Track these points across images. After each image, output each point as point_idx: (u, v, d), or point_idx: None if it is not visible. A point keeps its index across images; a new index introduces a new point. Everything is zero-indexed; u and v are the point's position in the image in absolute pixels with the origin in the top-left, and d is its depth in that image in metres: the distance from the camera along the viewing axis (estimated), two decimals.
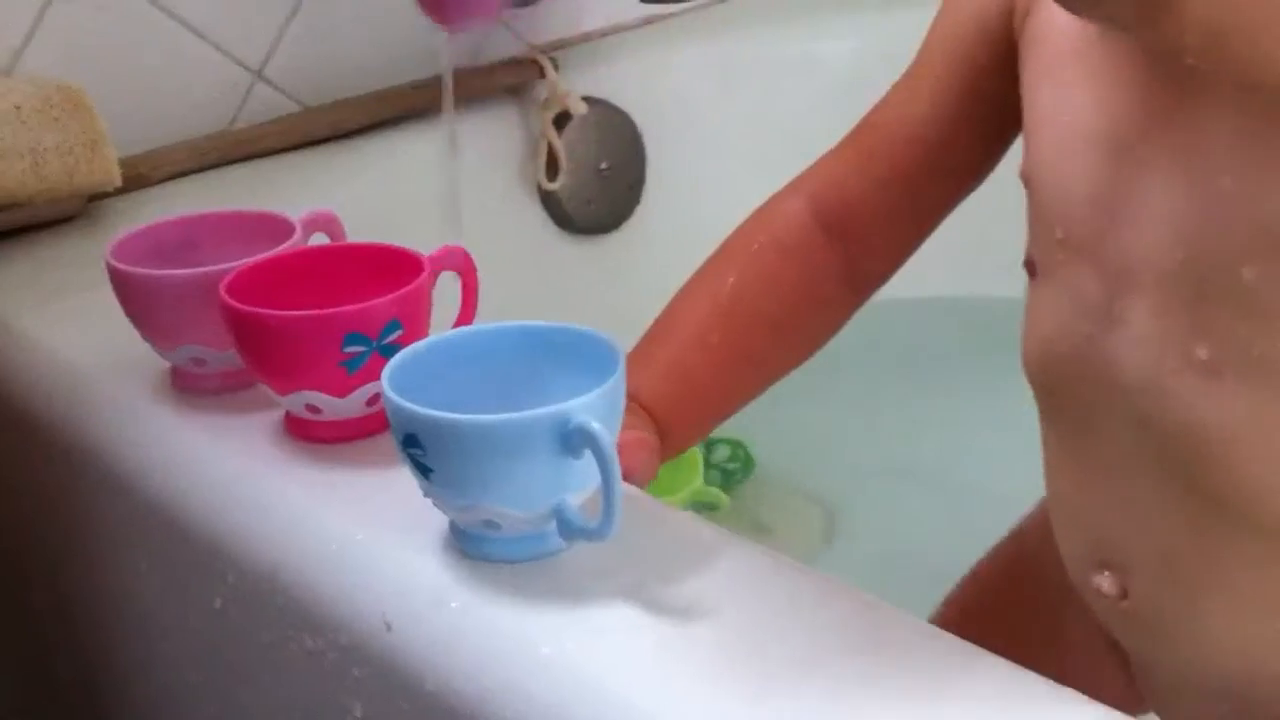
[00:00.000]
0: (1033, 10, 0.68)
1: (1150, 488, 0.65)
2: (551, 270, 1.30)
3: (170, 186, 1.07)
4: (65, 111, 0.96)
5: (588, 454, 0.57)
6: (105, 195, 1.01)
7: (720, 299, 0.77)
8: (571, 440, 0.56)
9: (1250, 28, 0.50)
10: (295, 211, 1.03)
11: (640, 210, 1.35)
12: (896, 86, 0.78)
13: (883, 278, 0.79)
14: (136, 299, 0.76)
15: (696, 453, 1.23)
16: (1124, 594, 0.69)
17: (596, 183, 1.31)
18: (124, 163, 1.01)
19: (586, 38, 1.34)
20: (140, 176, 1.05)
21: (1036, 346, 0.70)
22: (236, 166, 1.11)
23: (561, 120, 1.27)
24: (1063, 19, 0.64)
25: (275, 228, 0.79)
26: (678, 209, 1.35)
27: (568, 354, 0.63)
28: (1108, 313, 0.64)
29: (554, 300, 1.24)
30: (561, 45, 1.31)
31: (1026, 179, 0.69)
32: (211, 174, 1.10)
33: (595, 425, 0.56)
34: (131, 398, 0.79)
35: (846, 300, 0.79)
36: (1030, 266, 0.70)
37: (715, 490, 1.21)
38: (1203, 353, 0.61)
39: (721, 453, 1.27)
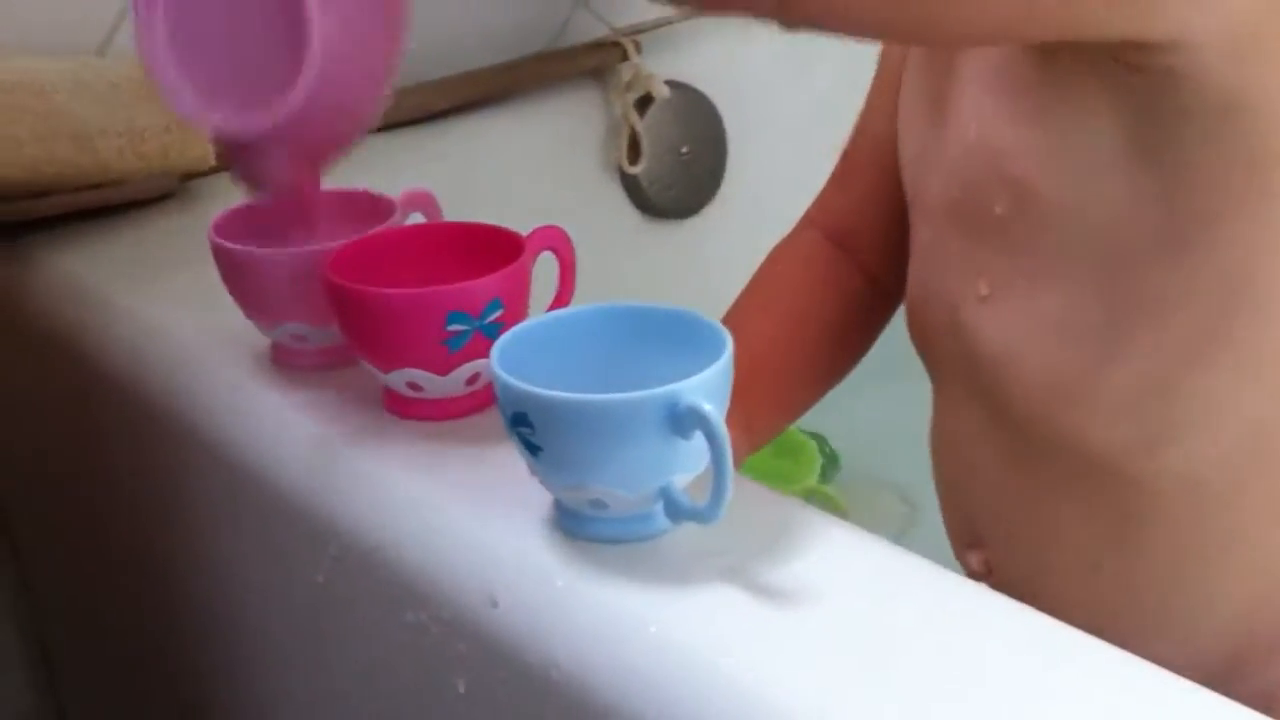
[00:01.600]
0: None
1: (987, 446, 0.73)
2: (631, 253, 1.30)
3: None
4: None
5: (697, 435, 0.57)
6: (199, 174, 1.02)
7: (771, 310, 0.82)
8: (682, 421, 0.57)
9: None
10: (384, 190, 1.04)
11: (720, 195, 1.35)
12: (865, 105, 0.85)
13: (898, 274, 0.83)
14: (239, 276, 0.77)
15: (814, 448, 1.23)
16: (989, 570, 0.76)
17: (678, 167, 1.31)
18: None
19: (669, 21, 1.34)
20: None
21: (909, 310, 0.78)
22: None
23: (644, 104, 1.27)
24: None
25: (374, 206, 0.80)
26: (758, 193, 1.35)
27: (671, 335, 0.63)
28: (928, 259, 0.75)
29: (633, 283, 1.24)
30: (644, 29, 1.31)
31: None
32: None
33: (707, 406, 0.56)
34: (233, 373, 0.80)
35: (879, 305, 0.84)
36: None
37: (829, 491, 1.22)
38: (983, 287, 0.70)
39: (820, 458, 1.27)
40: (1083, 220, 0.65)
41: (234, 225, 0.79)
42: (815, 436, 1.27)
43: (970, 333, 0.71)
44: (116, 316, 0.90)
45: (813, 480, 1.22)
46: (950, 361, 0.75)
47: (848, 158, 0.85)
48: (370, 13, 0.66)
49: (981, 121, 0.69)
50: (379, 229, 0.76)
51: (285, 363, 0.79)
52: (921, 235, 0.75)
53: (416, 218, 0.82)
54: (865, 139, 0.83)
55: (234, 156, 0.71)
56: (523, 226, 0.76)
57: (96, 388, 0.90)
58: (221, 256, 0.77)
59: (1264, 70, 0.59)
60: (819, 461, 1.24)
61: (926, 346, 0.77)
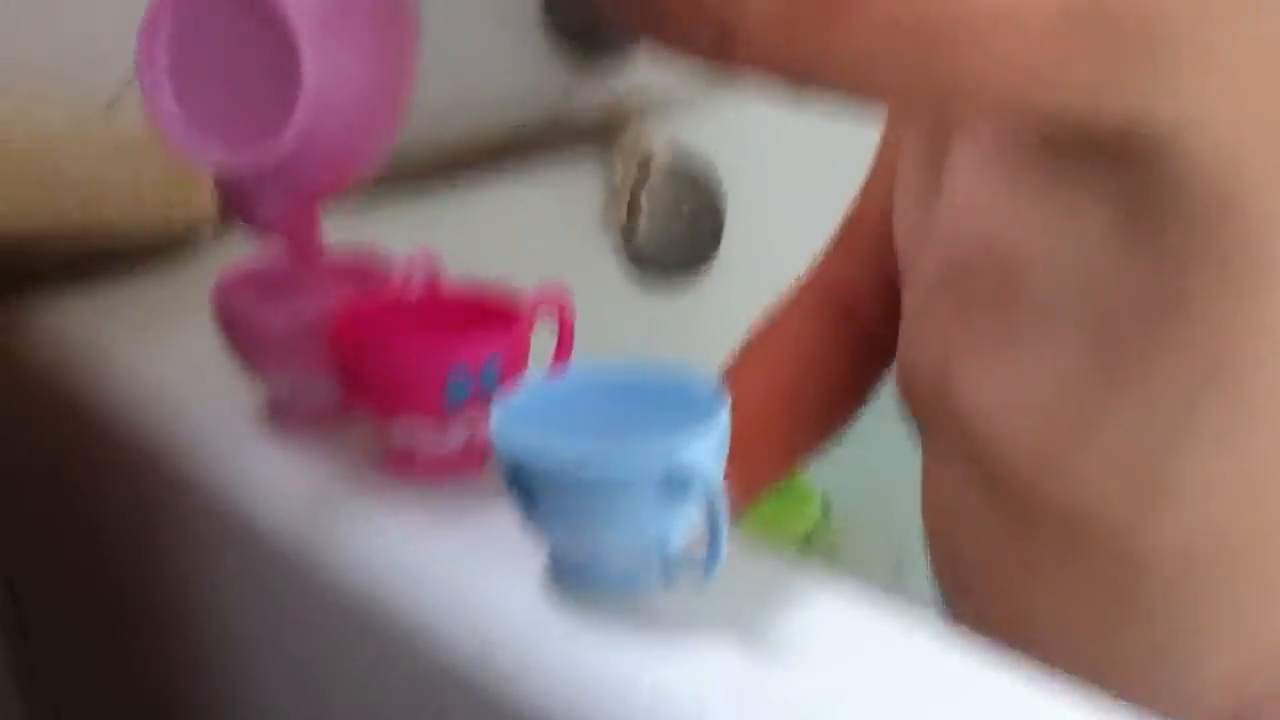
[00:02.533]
0: None
1: (975, 509, 0.74)
2: (629, 314, 1.31)
3: None
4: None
5: (692, 494, 0.58)
6: (202, 231, 1.03)
7: (770, 364, 0.84)
8: (678, 480, 0.57)
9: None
10: (390, 249, 1.05)
11: (719, 257, 1.37)
12: (869, 175, 0.87)
13: (893, 335, 0.84)
14: (240, 332, 0.78)
15: (814, 492, 1.24)
16: (978, 621, 0.77)
17: (677, 229, 1.32)
18: (218, 197, 1.03)
19: (672, 87, 1.36)
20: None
21: (899, 374, 0.80)
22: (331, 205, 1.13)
23: (645, 167, 1.29)
24: None
25: (377, 267, 0.81)
26: (755, 257, 1.36)
27: (669, 395, 0.64)
28: (919, 327, 0.76)
29: (632, 343, 1.25)
30: (647, 94, 1.33)
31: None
32: None
33: (702, 464, 0.57)
34: (232, 429, 0.81)
35: (875, 362, 0.86)
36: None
37: (828, 530, 1.22)
38: (974, 351, 0.71)
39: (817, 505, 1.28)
40: (1069, 298, 0.66)
41: (238, 284, 0.79)
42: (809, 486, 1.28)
43: (958, 400, 0.72)
44: (117, 371, 0.91)
45: (810, 526, 1.23)
46: (939, 427, 0.76)
47: (850, 224, 0.86)
48: (372, 52, 0.67)
49: (974, 199, 0.70)
50: (381, 289, 0.77)
51: (282, 418, 0.80)
52: (913, 304, 0.77)
53: (420, 278, 0.83)
54: (867, 208, 0.85)
55: (231, 194, 0.71)
56: (526, 285, 0.77)
57: (97, 441, 0.91)
58: (223, 312, 0.78)
59: (1251, 164, 0.60)
60: (816, 505, 1.25)
61: (916, 411, 0.78)
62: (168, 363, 0.89)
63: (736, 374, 0.82)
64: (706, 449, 0.59)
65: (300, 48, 0.63)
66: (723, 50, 0.54)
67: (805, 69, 0.55)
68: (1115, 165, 0.62)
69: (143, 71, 0.67)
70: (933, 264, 0.74)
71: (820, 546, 1.24)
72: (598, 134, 1.29)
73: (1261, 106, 0.60)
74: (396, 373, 0.69)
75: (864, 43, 0.54)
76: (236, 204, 0.72)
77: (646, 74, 1.35)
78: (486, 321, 0.72)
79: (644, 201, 1.28)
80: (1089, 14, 0.56)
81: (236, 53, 0.67)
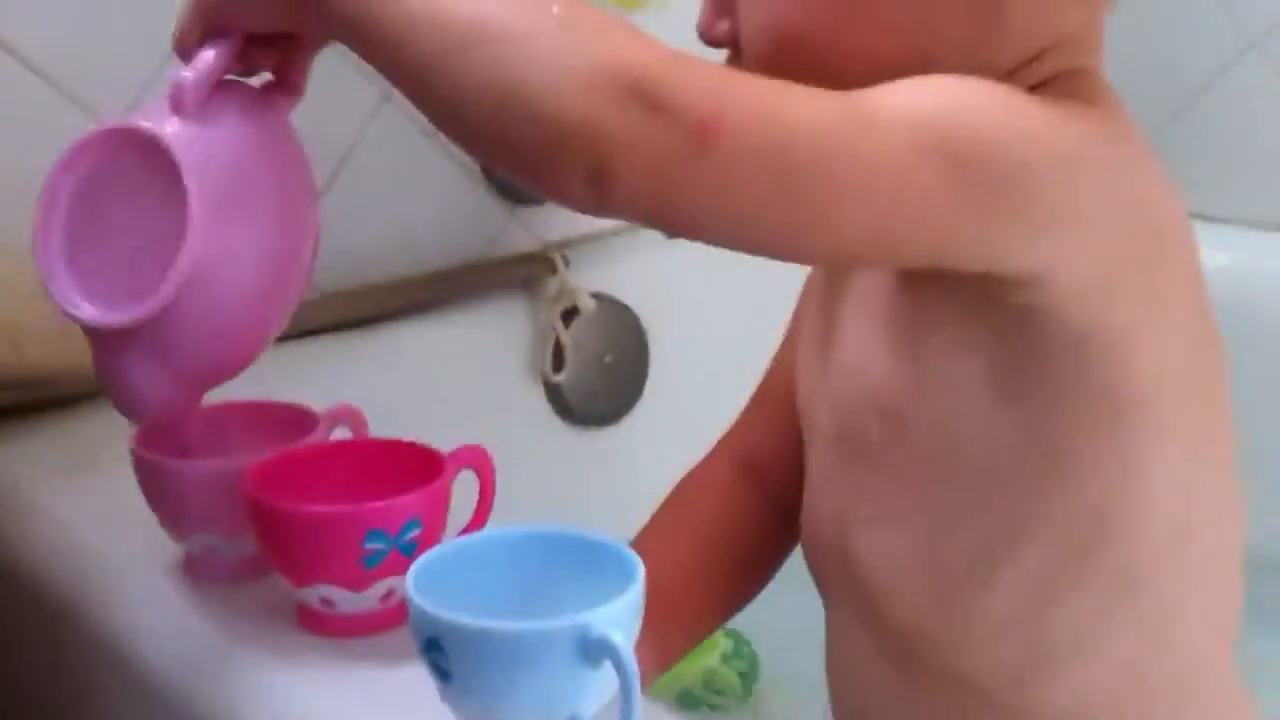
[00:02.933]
0: None
1: (876, 670, 0.74)
2: (554, 460, 1.31)
3: None
4: None
5: (607, 664, 0.58)
6: None
7: (684, 533, 0.84)
8: (592, 651, 0.58)
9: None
10: (310, 397, 1.05)
11: (642, 404, 1.38)
12: (783, 338, 0.88)
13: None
14: (155, 486, 0.78)
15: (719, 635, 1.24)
16: None
17: (601, 376, 1.33)
18: None
19: (595, 235, 1.38)
20: None
21: (802, 533, 0.80)
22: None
23: (569, 315, 1.30)
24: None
25: (298, 419, 0.81)
26: (679, 403, 1.38)
27: (586, 561, 0.64)
28: (818, 484, 0.77)
29: (555, 490, 1.26)
30: (572, 242, 1.35)
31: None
32: None
33: (617, 637, 0.57)
34: (146, 580, 0.80)
35: (787, 531, 0.85)
36: None
37: (729, 673, 1.22)
38: (865, 511, 0.72)
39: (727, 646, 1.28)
40: (950, 448, 0.67)
41: (157, 434, 0.79)
42: (734, 635, 1.27)
43: (855, 556, 0.73)
44: (34, 516, 0.90)
45: (714, 661, 1.22)
46: (839, 584, 0.77)
47: (763, 386, 0.88)
48: (264, 239, 0.66)
49: (859, 351, 0.72)
50: (300, 444, 0.77)
51: (198, 573, 0.79)
52: (812, 462, 0.78)
53: (343, 431, 0.83)
54: (777, 374, 0.86)
55: (101, 367, 0.68)
56: (448, 433, 0.78)
57: (8, 586, 0.90)
58: (140, 466, 0.78)
59: (1120, 309, 0.63)
60: (720, 644, 1.24)
61: (817, 569, 0.79)
62: (87, 508, 0.88)
63: (650, 542, 0.82)
64: (622, 619, 0.59)
65: (190, 212, 0.62)
66: (599, 191, 0.55)
67: (673, 207, 0.56)
68: (984, 311, 0.63)
69: (38, 221, 0.67)
70: (827, 422, 0.75)
71: (721, 685, 1.23)
72: (524, 281, 1.30)
73: (1114, 257, 0.62)
74: (312, 543, 0.69)
75: (728, 180, 0.55)
76: (105, 379, 0.68)
77: (571, 221, 1.37)
78: (407, 479, 0.72)
79: (568, 350, 1.29)
80: (953, 167, 0.58)
81: (135, 218, 0.66)
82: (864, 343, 0.71)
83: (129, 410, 0.69)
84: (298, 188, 0.68)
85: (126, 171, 0.65)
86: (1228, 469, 0.70)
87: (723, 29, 0.69)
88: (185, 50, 0.65)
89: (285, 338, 1.13)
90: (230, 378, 0.69)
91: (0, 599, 0.91)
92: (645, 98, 0.54)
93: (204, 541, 0.78)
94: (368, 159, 1.23)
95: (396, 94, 1.24)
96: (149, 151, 0.63)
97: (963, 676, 0.70)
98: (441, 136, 1.31)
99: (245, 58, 0.66)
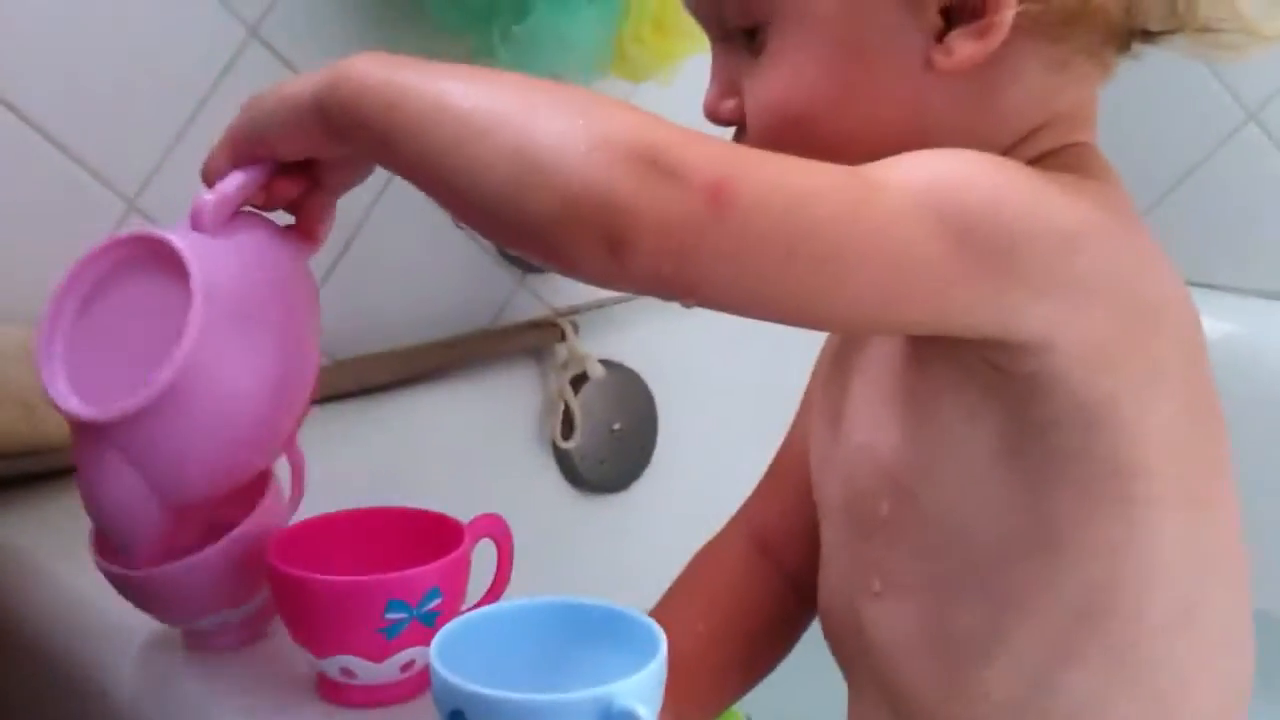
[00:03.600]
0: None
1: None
2: (563, 526, 1.32)
3: None
4: None
5: None
6: None
7: (699, 609, 0.85)
8: None
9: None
10: (319, 462, 1.05)
11: (650, 470, 1.38)
12: (795, 417, 0.88)
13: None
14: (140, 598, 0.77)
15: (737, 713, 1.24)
16: None
17: (609, 443, 1.34)
18: None
19: (603, 304, 1.39)
20: None
21: (819, 609, 0.81)
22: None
23: (579, 381, 1.31)
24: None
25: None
26: (687, 470, 1.38)
27: (607, 632, 0.65)
28: (832, 559, 0.77)
29: (565, 556, 1.26)
30: (581, 309, 1.36)
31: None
32: None
33: (641, 710, 0.58)
34: (161, 651, 0.80)
35: (801, 608, 0.86)
36: None
37: None
38: (876, 584, 0.72)
39: None
40: (957, 520, 0.68)
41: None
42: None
43: (868, 630, 0.73)
44: (45, 584, 0.90)
45: None
46: (856, 659, 0.77)
47: (774, 468, 0.88)
48: (261, 369, 0.65)
49: (868, 427, 0.72)
50: (323, 515, 0.77)
51: (202, 648, 0.79)
52: (827, 537, 0.78)
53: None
54: (791, 449, 0.87)
55: (78, 466, 0.68)
56: (458, 499, 0.78)
57: (20, 655, 0.90)
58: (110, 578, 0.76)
59: (1121, 379, 0.63)
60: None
61: (835, 644, 0.79)
62: (93, 580, 0.88)
63: (666, 615, 0.83)
64: (645, 691, 0.59)
65: (191, 318, 0.62)
66: (614, 260, 0.56)
67: (687, 273, 0.57)
68: (989, 383, 0.64)
69: (46, 310, 0.67)
70: (838, 496, 0.76)
71: None
72: (533, 348, 1.31)
73: (1112, 326, 0.63)
74: (333, 614, 0.70)
75: (741, 245, 0.56)
76: (81, 488, 0.68)
77: (579, 288, 1.38)
78: (426, 548, 0.73)
79: (578, 418, 1.30)
80: (956, 235, 0.59)
81: (144, 325, 0.66)
82: (873, 418, 0.72)
83: (97, 516, 0.69)
84: (303, 328, 0.69)
85: (140, 279, 0.66)
86: (1234, 538, 0.71)
87: (728, 108, 0.71)
88: (211, 176, 0.67)
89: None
90: (204, 497, 0.68)
91: (13, 668, 0.91)
92: (658, 165, 0.55)
93: (212, 622, 0.77)
94: (379, 228, 1.24)
95: None
96: (164, 261, 0.64)
97: None
98: None
99: (271, 193, 0.68)
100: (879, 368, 0.72)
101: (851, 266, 0.58)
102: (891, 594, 0.72)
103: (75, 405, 0.66)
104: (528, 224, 0.56)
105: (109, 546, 0.74)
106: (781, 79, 0.68)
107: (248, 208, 0.68)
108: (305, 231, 0.70)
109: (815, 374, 0.85)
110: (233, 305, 0.64)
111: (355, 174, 0.71)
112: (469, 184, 0.57)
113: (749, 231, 0.56)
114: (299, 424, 0.70)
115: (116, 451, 0.65)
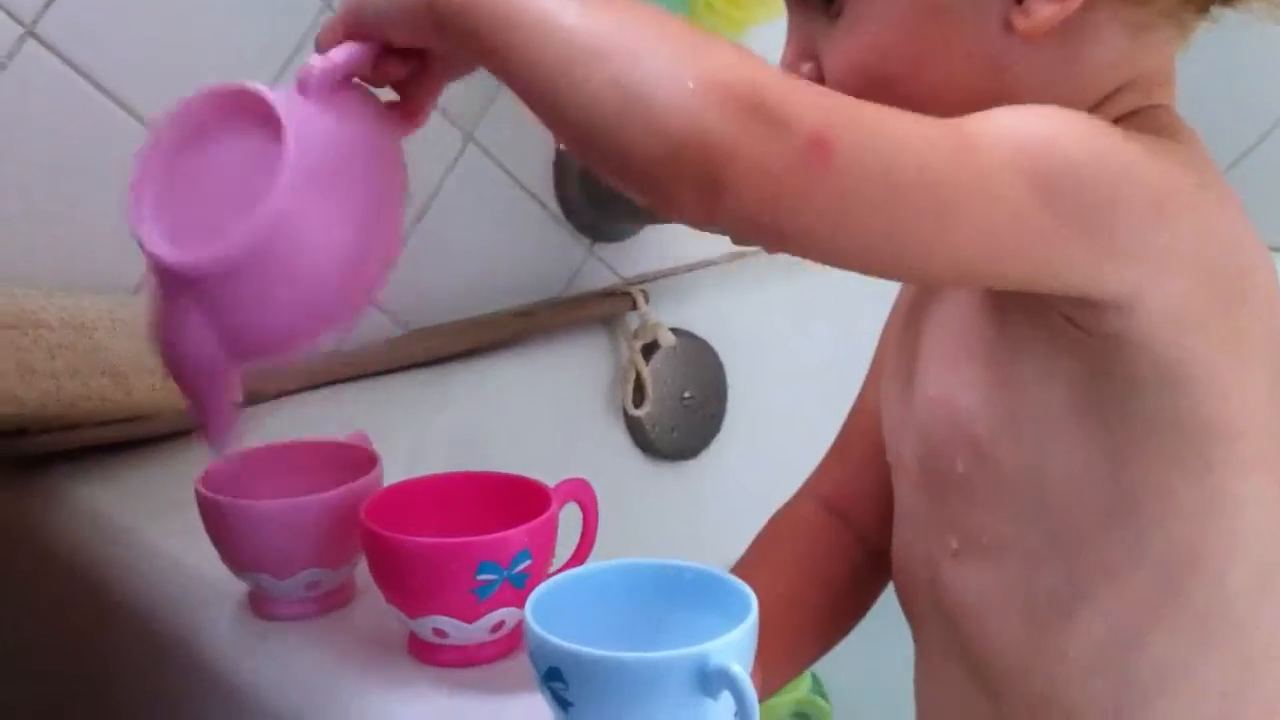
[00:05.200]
0: None
1: (967, 706, 0.75)
2: (634, 494, 1.33)
3: (284, 403, 1.11)
4: None
5: (725, 694, 0.59)
6: None
7: (777, 571, 0.85)
8: (711, 681, 0.59)
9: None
10: (397, 430, 1.07)
11: (719, 439, 1.39)
12: (865, 381, 0.88)
13: (890, 545, 0.85)
14: (219, 538, 0.80)
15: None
16: None
17: (680, 411, 1.35)
18: (242, 378, 1.05)
19: (674, 272, 1.40)
20: (256, 392, 1.09)
21: (893, 570, 0.81)
22: (345, 385, 1.16)
23: (650, 350, 1.32)
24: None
25: (358, 458, 0.82)
26: (756, 438, 1.39)
27: (697, 593, 0.66)
28: (907, 519, 0.78)
29: (635, 524, 1.26)
30: (651, 278, 1.37)
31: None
32: (321, 392, 1.14)
33: (735, 667, 0.59)
34: (254, 616, 0.82)
35: (876, 570, 0.86)
36: None
37: (820, 701, 1.23)
38: (953, 543, 0.73)
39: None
40: (1036, 480, 0.68)
41: (218, 479, 0.80)
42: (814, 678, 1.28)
43: (945, 590, 0.74)
44: (137, 549, 0.92)
45: (804, 692, 1.23)
46: (930, 619, 0.77)
47: (846, 431, 0.89)
48: (346, 218, 0.65)
49: (943, 384, 0.73)
50: (415, 477, 0.79)
51: (291, 615, 0.81)
52: (901, 497, 0.79)
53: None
54: (861, 413, 0.87)
55: (155, 316, 0.67)
56: (532, 466, 0.79)
57: (113, 618, 0.92)
58: (203, 511, 0.79)
59: (1204, 343, 0.64)
60: (808, 680, 1.25)
61: (909, 604, 0.80)
62: (189, 541, 0.90)
63: (743, 578, 0.84)
64: (740, 649, 0.60)
65: (281, 171, 0.62)
66: (710, 202, 0.56)
67: (783, 220, 0.57)
68: (1071, 341, 0.65)
69: (137, 161, 0.67)
70: (912, 455, 0.76)
71: (812, 712, 1.24)
72: (604, 317, 1.32)
73: (1198, 291, 0.63)
74: (426, 575, 0.71)
75: (838, 193, 0.57)
76: (159, 342, 0.67)
77: (650, 256, 1.39)
78: (512, 512, 0.74)
79: (649, 387, 1.31)
80: (1049, 191, 0.60)
81: (234, 181, 0.65)
82: (948, 376, 0.72)
83: (165, 356, 0.68)
84: (389, 205, 0.68)
85: (236, 134, 0.65)
86: None
87: (805, 71, 0.71)
88: (323, 44, 0.67)
89: (373, 373, 1.18)
90: (269, 358, 0.67)
91: (111, 634, 0.93)
92: (760, 111, 0.55)
93: (269, 585, 0.79)
94: (452, 200, 1.25)
95: (479, 135, 1.28)
96: (261, 118, 0.64)
97: (1055, 711, 0.70)
98: (523, 176, 1.34)
99: (378, 68, 0.67)
100: (955, 323, 0.72)
101: (949, 221, 0.59)
102: (970, 553, 0.72)
103: (161, 249, 0.65)
104: (628, 158, 0.56)
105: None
106: (861, 41, 0.68)
107: (356, 81, 0.67)
108: (408, 112, 0.69)
109: (885, 336, 0.86)
110: (322, 169, 0.63)
111: (465, 67, 0.69)
112: (574, 111, 0.57)
113: (848, 183, 0.56)
114: (367, 301, 0.69)
115: (191, 297, 0.65)
